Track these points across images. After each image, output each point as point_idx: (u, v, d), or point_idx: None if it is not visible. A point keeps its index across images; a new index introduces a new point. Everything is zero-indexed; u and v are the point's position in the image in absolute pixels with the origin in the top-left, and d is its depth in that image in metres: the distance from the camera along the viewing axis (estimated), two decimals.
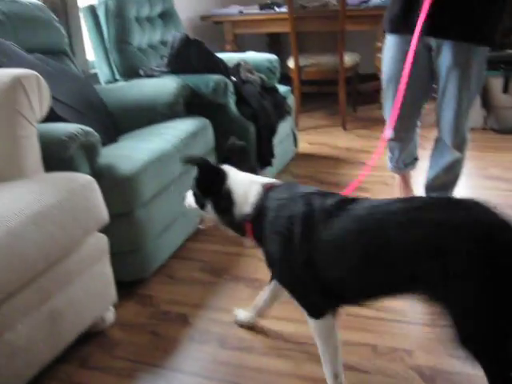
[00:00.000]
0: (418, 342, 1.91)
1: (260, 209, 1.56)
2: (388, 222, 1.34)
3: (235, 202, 1.62)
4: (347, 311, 1.93)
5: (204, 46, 3.01)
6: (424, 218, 1.31)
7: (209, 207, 1.69)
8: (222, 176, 1.65)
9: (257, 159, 3.02)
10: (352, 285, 1.46)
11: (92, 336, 2.00)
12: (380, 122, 4.38)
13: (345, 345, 1.73)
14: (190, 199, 1.79)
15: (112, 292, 2.03)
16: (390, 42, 2.39)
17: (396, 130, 2.63)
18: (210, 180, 1.66)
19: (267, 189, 1.59)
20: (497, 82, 3.98)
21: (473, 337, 1.31)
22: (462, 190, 3.09)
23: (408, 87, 2.39)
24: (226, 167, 1.70)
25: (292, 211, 1.48)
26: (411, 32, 2.20)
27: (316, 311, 1.55)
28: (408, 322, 2.01)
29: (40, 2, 2.87)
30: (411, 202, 1.39)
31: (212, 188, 1.66)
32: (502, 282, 1.24)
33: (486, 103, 4.07)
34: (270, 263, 1.63)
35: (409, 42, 2.24)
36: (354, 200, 1.46)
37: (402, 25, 2.23)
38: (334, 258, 1.42)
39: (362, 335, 1.94)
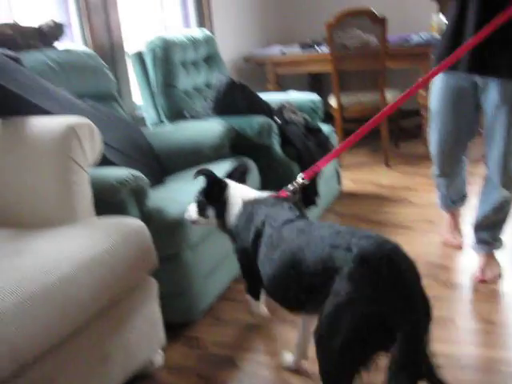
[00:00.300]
0: None
1: (238, 219, 1.90)
2: (302, 241, 1.58)
3: (227, 211, 1.94)
4: None
5: (248, 89, 3.06)
6: (327, 241, 1.50)
7: (211, 213, 1.99)
8: (224, 187, 1.96)
9: (302, 199, 3.03)
10: (269, 284, 1.73)
11: (141, 379, 2.02)
12: (423, 159, 4.37)
13: None
14: (191, 211, 2.06)
15: (161, 335, 2.05)
16: (437, 78, 2.40)
17: (441, 165, 2.63)
18: (213, 189, 1.97)
19: (247, 203, 1.90)
20: None
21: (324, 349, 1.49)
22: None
23: (453, 123, 2.40)
24: (229, 180, 2.00)
25: (251, 225, 1.82)
26: (457, 69, 2.21)
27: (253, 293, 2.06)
28: None
29: (91, 51, 2.98)
30: (333, 227, 1.58)
31: (214, 196, 1.96)
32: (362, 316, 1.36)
33: None
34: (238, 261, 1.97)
35: (455, 79, 2.25)
36: (296, 220, 1.71)
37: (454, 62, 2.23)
38: (262, 262, 1.73)
39: None
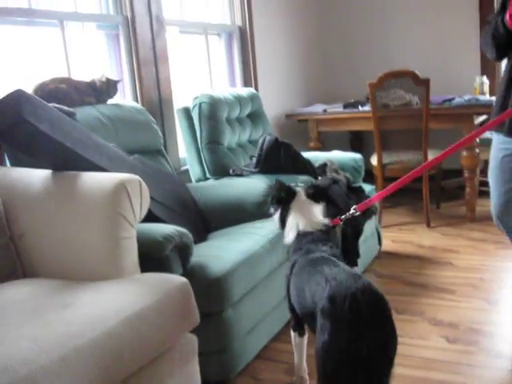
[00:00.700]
0: None
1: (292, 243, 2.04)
2: (312, 278, 1.75)
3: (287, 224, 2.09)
4: None
5: (292, 148, 3.12)
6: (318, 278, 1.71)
7: (276, 215, 2.13)
8: (292, 195, 2.09)
9: (343, 259, 3.02)
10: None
11: None
12: (465, 220, 4.33)
13: None
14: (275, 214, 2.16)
15: None
16: (493, 139, 2.41)
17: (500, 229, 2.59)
18: (282, 193, 2.10)
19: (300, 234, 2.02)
20: None
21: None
22: None
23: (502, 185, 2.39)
24: (300, 191, 2.12)
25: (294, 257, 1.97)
26: (502, 131, 2.23)
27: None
28: None
29: (140, 106, 3.09)
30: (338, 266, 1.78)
31: (281, 200, 2.10)
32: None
33: None
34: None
35: (502, 141, 2.26)
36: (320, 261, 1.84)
37: (499, 124, 2.25)
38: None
39: None
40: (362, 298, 1.53)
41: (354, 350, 1.51)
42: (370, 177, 4.30)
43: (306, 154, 3.42)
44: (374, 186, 3.72)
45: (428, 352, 2.49)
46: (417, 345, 2.56)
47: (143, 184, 2.02)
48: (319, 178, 3.10)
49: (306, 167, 3.06)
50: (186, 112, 3.40)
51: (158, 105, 3.43)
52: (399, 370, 2.33)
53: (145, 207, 2.04)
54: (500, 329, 2.67)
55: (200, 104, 3.35)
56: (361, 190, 3.33)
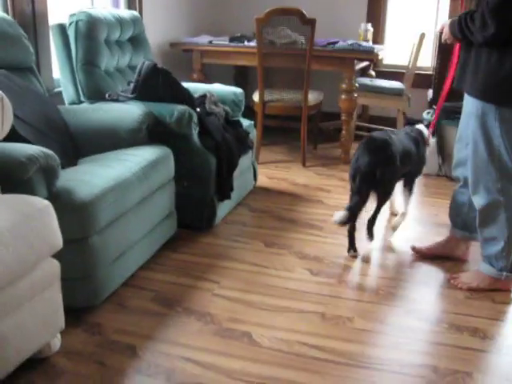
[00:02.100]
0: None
1: None
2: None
3: None
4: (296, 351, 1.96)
5: (171, 76, 3.03)
6: None
7: None
8: None
9: (216, 191, 3.04)
10: None
11: (36, 362, 1.96)
12: (339, 162, 4.49)
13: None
14: None
15: (60, 319, 1.99)
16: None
17: None
18: None
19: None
20: (452, 131, 4.10)
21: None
22: (414, 235, 3.17)
23: None
24: None
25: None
26: None
27: None
28: (357, 365, 2.04)
29: (10, 18, 2.85)
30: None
31: None
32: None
33: (442, 151, 4.18)
34: None
35: None
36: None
37: None
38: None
39: (306, 376, 1.96)
40: (370, 141, 2.84)
41: (356, 166, 2.80)
42: (251, 112, 4.32)
43: (187, 85, 3.35)
44: (252, 122, 3.73)
45: (292, 283, 2.59)
46: (282, 276, 2.65)
47: (5, 99, 1.88)
48: (197, 108, 3.05)
49: (184, 97, 3.00)
50: (62, 29, 3.18)
51: (31, 19, 3.18)
52: (264, 298, 2.44)
53: (7, 125, 1.90)
54: (360, 263, 2.83)
55: (77, 22, 3.15)
56: (239, 123, 3.33)
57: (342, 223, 2.78)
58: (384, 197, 2.91)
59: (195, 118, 2.93)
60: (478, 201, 2.53)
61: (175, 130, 2.86)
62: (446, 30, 2.47)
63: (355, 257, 2.89)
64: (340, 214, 2.76)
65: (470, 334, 2.26)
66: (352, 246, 2.91)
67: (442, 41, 2.57)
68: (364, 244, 2.94)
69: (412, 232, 3.25)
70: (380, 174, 2.75)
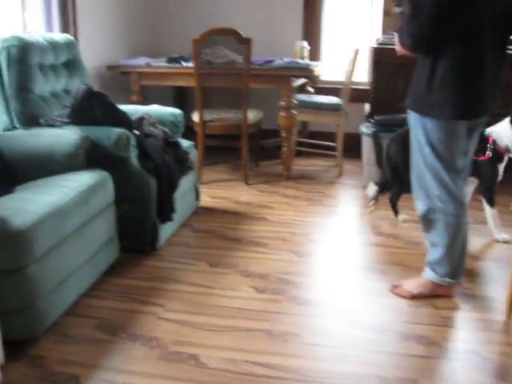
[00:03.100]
0: None
1: None
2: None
3: None
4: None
5: (107, 99, 3.00)
6: None
7: None
8: None
9: (157, 213, 3.01)
10: None
11: None
12: (281, 178, 4.52)
13: None
14: None
15: None
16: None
17: None
18: None
19: None
20: None
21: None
22: (357, 247, 3.22)
23: None
24: None
25: None
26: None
27: None
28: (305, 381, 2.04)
29: None
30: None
31: None
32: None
33: (380, 162, 4.25)
34: None
35: None
36: None
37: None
38: None
39: None
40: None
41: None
42: (191, 133, 4.31)
43: (126, 107, 3.32)
44: (193, 142, 3.72)
45: (238, 302, 2.59)
46: (228, 296, 2.64)
47: None
48: (135, 131, 3.03)
49: (121, 120, 2.96)
50: None
51: None
52: (210, 319, 2.42)
53: None
54: (306, 279, 2.85)
55: (8, 47, 3.08)
56: (178, 144, 3.32)
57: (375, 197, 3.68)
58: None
59: (133, 141, 2.91)
60: (419, 207, 2.60)
61: (113, 153, 2.82)
62: (396, 41, 2.49)
63: (406, 220, 3.58)
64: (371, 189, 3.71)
65: (415, 342, 2.30)
66: (396, 212, 3.61)
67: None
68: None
69: (357, 245, 3.30)
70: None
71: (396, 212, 3.61)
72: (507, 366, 2.19)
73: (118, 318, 2.44)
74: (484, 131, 3.17)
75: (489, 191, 3.26)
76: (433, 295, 2.64)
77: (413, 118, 2.50)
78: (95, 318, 2.44)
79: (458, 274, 2.63)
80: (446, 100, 2.36)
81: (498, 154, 3.19)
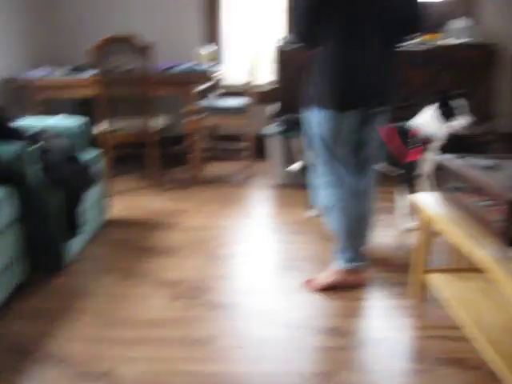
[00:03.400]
0: None
1: None
2: None
3: None
4: None
5: (3, 114, 2.88)
6: None
7: None
8: None
9: (64, 229, 2.92)
10: None
11: None
12: (191, 184, 4.50)
13: None
14: None
15: None
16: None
17: None
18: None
19: None
20: (297, 142, 4.26)
21: None
22: (272, 246, 3.25)
23: None
24: None
25: None
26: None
27: None
28: None
29: None
30: None
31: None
32: None
33: (289, 161, 4.31)
34: None
35: None
36: None
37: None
38: None
39: None
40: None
41: None
42: (98, 143, 4.22)
43: (28, 120, 3.21)
44: (99, 153, 3.62)
45: (152, 311, 2.55)
46: (142, 306, 2.60)
47: None
48: (35, 145, 2.92)
49: (20, 134, 2.85)
50: None
51: None
52: (124, 332, 2.37)
53: None
54: (221, 282, 2.84)
55: None
56: (81, 156, 3.23)
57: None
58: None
59: (33, 155, 2.81)
60: (319, 196, 2.75)
61: (13, 168, 2.71)
62: None
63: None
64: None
65: (330, 334, 2.35)
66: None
67: None
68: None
69: (268, 243, 3.34)
70: None
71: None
72: (421, 349, 2.28)
73: (29, 340, 2.34)
74: (405, 125, 3.36)
75: (411, 180, 3.38)
76: (346, 285, 2.71)
77: (308, 112, 2.63)
78: (4, 341, 2.34)
79: (363, 258, 2.75)
80: (327, 92, 2.51)
81: (423, 144, 3.31)
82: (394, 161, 3.40)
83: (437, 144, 3.29)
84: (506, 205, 1.82)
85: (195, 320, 2.48)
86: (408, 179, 3.37)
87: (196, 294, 2.70)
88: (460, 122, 3.23)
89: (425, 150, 3.28)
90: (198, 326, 2.43)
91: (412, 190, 3.32)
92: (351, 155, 2.64)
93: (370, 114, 2.62)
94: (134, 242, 3.35)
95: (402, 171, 3.41)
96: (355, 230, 2.68)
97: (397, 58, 2.66)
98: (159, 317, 2.50)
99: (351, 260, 2.71)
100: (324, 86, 2.51)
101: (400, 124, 3.38)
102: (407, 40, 2.79)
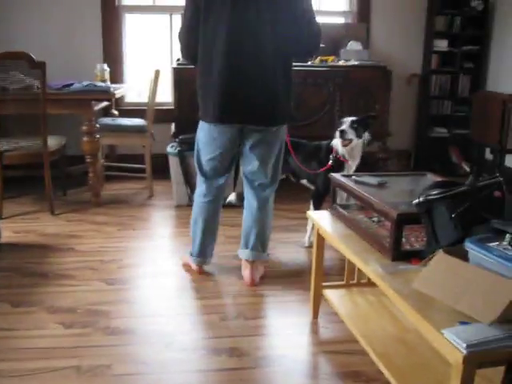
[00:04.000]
0: None
1: None
2: None
3: None
4: None
5: None
6: None
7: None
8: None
9: None
10: None
11: None
12: (89, 205, 4.37)
13: None
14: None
15: None
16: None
17: None
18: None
19: None
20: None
21: None
22: (169, 268, 3.21)
23: None
24: None
25: None
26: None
27: None
28: None
29: None
30: None
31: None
32: None
33: (189, 181, 4.29)
34: None
35: None
36: None
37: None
38: None
39: None
40: None
41: None
42: None
43: None
44: None
45: (44, 341, 2.43)
46: (33, 336, 2.47)
47: None
48: None
49: None
50: None
51: None
52: (13, 364, 2.24)
53: None
54: (117, 307, 2.76)
55: None
56: None
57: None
58: None
59: None
60: None
61: None
62: None
63: None
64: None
65: (227, 355, 2.34)
66: None
67: None
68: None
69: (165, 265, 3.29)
70: None
71: None
72: (316, 364, 2.32)
73: None
74: (330, 143, 3.47)
75: (319, 197, 3.46)
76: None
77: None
78: None
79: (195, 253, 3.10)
80: (200, 105, 2.82)
81: (339, 163, 3.38)
82: (310, 177, 3.52)
83: (352, 163, 3.39)
84: (391, 221, 1.89)
85: (89, 348, 2.38)
86: (317, 196, 3.44)
87: (91, 321, 2.60)
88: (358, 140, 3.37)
89: (336, 167, 3.36)
90: (94, 353, 2.34)
91: (318, 207, 3.40)
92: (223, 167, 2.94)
93: (249, 131, 2.79)
94: (27, 268, 3.19)
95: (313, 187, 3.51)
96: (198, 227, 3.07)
97: (290, 77, 2.74)
98: (51, 346, 2.38)
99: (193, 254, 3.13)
100: (199, 98, 2.81)
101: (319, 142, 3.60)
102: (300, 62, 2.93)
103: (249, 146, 2.85)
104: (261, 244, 3.01)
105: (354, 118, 3.39)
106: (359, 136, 3.37)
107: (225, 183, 3.02)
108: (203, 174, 2.98)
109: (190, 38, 2.72)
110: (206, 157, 2.91)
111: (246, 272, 3.01)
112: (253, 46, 2.62)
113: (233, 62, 2.62)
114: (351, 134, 3.34)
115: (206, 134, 2.85)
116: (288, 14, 2.63)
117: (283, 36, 2.63)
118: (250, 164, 2.91)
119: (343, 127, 3.34)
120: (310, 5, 2.70)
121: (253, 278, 2.98)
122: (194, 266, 3.14)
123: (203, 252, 3.08)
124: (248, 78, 2.65)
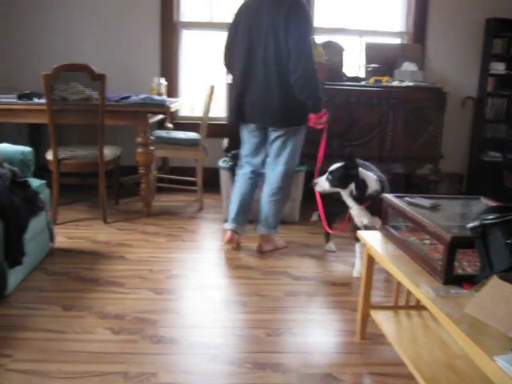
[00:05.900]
0: None
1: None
2: None
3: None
4: None
5: None
6: None
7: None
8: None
9: (5, 258, 2.84)
10: None
11: None
12: (140, 215, 4.46)
13: None
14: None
15: None
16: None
17: None
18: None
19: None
20: None
21: None
22: (217, 281, 3.24)
23: None
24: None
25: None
26: None
27: None
28: None
29: None
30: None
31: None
32: None
33: None
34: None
35: None
36: None
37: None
38: None
39: None
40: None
41: None
42: (46, 171, 4.16)
43: None
44: (44, 181, 3.56)
45: (92, 345, 2.48)
46: (82, 340, 2.53)
47: None
48: None
49: None
50: None
51: None
52: (62, 366, 2.30)
53: None
54: (164, 316, 2.80)
55: None
56: (27, 184, 3.17)
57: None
58: None
59: None
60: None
61: None
62: None
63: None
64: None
65: (273, 370, 2.33)
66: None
67: None
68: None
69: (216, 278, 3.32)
70: None
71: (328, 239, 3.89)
72: None
73: None
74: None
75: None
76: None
77: None
78: None
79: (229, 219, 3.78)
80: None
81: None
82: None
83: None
84: (444, 245, 1.87)
85: (136, 355, 2.42)
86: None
87: (138, 328, 2.65)
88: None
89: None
90: (141, 360, 2.38)
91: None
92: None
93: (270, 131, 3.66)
94: (77, 273, 3.28)
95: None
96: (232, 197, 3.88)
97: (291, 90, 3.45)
98: (99, 351, 2.43)
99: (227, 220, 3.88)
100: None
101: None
102: None
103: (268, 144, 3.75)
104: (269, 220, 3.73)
105: (333, 169, 3.23)
106: (336, 186, 3.23)
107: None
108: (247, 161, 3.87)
109: (225, 55, 3.76)
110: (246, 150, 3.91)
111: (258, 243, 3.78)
112: (262, 68, 3.48)
113: (246, 80, 3.58)
114: (324, 186, 3.27)
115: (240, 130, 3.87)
116: (285, 47, 3.38)
117: (282, 60, 3.40)
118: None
119: (318, 179, 3.31)
120: (303, 39, 3.36)
121: (261, 247, 3.76)
122: (227, 235, 3.75)
123: (235, 218, 3.72)
124: (258, 90, 3.53)
